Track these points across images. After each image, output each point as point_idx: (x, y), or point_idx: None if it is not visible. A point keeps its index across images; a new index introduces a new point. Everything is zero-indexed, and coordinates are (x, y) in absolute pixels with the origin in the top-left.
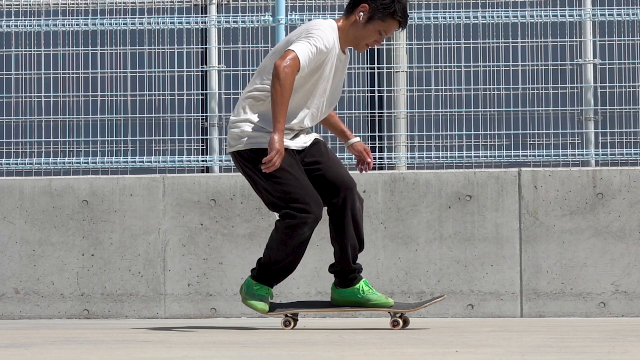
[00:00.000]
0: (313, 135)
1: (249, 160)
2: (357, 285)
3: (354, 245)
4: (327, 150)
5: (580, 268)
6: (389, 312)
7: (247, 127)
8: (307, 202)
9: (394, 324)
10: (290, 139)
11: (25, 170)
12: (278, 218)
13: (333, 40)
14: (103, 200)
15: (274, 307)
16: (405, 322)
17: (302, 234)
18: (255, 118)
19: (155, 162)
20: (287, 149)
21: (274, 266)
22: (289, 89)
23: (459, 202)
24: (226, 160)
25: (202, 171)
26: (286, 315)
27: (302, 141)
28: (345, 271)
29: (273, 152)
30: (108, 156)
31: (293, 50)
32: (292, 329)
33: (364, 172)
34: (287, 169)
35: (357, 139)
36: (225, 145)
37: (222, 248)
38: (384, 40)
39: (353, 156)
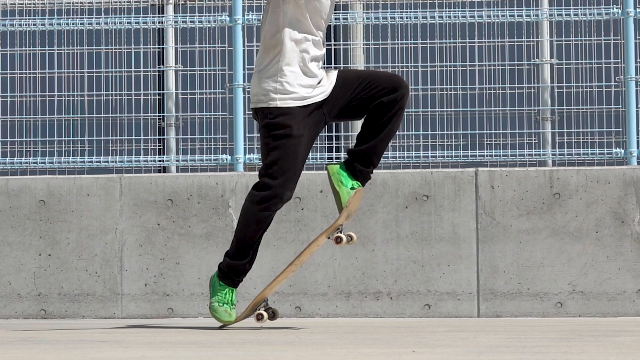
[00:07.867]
0: (333, 75)
1: (265, 116)
2: (355, 181)
3: (389, 140)
4: (359, 71)
5: (537, 268)
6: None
7: (271, 85)
8: (286, 183)
9: (337, 241)
10: (317, 86)
11: None
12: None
13: None
14: (60, 200)
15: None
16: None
17: (268, 215)
18: (279, 73)
19: (112, 162)
20: (310, 105)
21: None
22: None
23: (416, 202)
24: (183, 160)
25: (159, 171)
26: (264, 309)
27: (326, 88)
28: (362, 158)
29: None
30: (65, 156)
31: None
32: (271, 319)
33: None
34: (297, 140)
35: None
36: (183, 145)
37: (179, 248)
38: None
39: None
